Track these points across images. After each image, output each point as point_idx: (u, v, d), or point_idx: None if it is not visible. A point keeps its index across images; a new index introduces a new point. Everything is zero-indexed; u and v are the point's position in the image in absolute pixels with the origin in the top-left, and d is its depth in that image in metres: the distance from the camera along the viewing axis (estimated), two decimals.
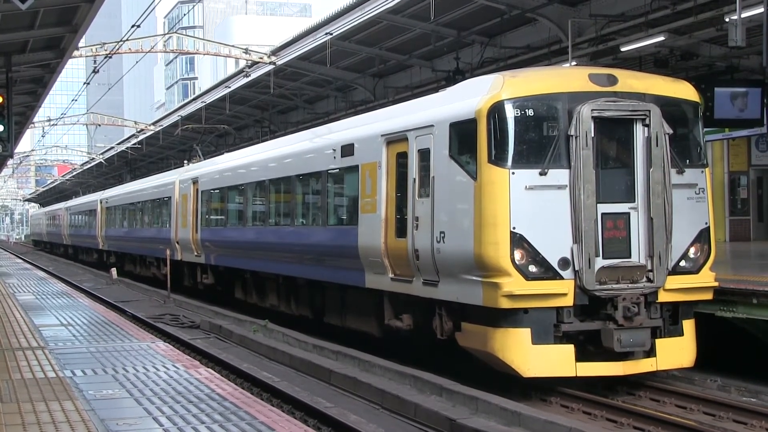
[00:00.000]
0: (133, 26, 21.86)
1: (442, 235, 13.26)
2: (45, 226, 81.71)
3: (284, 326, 19.91)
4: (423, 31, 26.13)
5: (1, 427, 7.97)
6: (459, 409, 11.84)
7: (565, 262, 12.33)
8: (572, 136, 12.42)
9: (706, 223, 13.30)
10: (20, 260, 53.22)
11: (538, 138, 12.76)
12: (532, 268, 12.26)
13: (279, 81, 35.31)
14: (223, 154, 35.19)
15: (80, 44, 25.05)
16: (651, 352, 12.73)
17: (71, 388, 9.85)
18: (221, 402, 9.03)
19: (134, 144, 60.38)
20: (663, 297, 12.77)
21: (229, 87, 38.49)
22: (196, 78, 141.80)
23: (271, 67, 32.92)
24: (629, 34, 21.88)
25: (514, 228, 12.24)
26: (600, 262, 12.43)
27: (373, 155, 15.67)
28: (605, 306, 12.45)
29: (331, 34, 27.34)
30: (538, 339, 12.28)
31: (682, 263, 12.99)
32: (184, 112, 46.36)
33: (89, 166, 77.78)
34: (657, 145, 12.71)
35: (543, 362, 12.31)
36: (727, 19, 17.88)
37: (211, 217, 26.84)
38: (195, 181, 28.23)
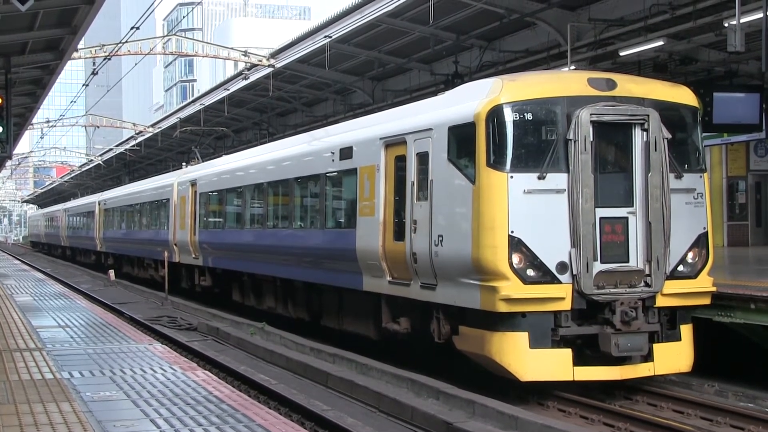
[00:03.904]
0: (132, 28, 21.86)
1: (440, 238, 13.26)
2: (43, 228, 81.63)
3: (281, 329, 19.91)
4: (422, 34, 26.16)
5: None
6: (456, 412, 11.83)
7: (563, 266, 12.33)
8: (571, 140, 12.42)
9: (705, 228, 13.29)
10: (18, 261, 53.19)
11: (536, 142, 12.74)
12: (530, 272, 12.25)
13: (278, 84, 35.34)
14: (221, 156, 35.22)
15: (79, 46, 25.03)
16: (648, 357, 12.72)
17: (69, 389, 9.84)
18: (218, 404, 9.03)
19: (133, 146, 60.38)
20: (661, 302, 12.76)
21: (228, 89, 38.49)
22: (194, 80, 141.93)
23: (270, 69, 32.92)
24: (628, 39, 21.90)
25: (512, 232, 12.23)
26: (598, 267, 12.42)
27: (372, 158, 15.67)
28: (603, 310, 12.44)
29: (330, 37, 27.36)
30: (535, 343, 12.27)
31: (680, 268, 12.98)
32: (182, 115, 46.38)
33: (88, 167, 77.73)
34: (656, 150, 12.71)
35: (540, 366, 12.30)
36: (726, 24, 17.90)
37: (209, 219, 26.82)
38: (193, 184, 28.22)
